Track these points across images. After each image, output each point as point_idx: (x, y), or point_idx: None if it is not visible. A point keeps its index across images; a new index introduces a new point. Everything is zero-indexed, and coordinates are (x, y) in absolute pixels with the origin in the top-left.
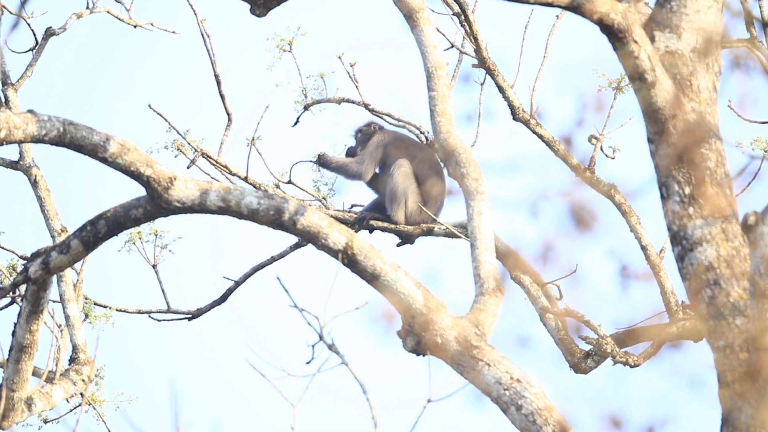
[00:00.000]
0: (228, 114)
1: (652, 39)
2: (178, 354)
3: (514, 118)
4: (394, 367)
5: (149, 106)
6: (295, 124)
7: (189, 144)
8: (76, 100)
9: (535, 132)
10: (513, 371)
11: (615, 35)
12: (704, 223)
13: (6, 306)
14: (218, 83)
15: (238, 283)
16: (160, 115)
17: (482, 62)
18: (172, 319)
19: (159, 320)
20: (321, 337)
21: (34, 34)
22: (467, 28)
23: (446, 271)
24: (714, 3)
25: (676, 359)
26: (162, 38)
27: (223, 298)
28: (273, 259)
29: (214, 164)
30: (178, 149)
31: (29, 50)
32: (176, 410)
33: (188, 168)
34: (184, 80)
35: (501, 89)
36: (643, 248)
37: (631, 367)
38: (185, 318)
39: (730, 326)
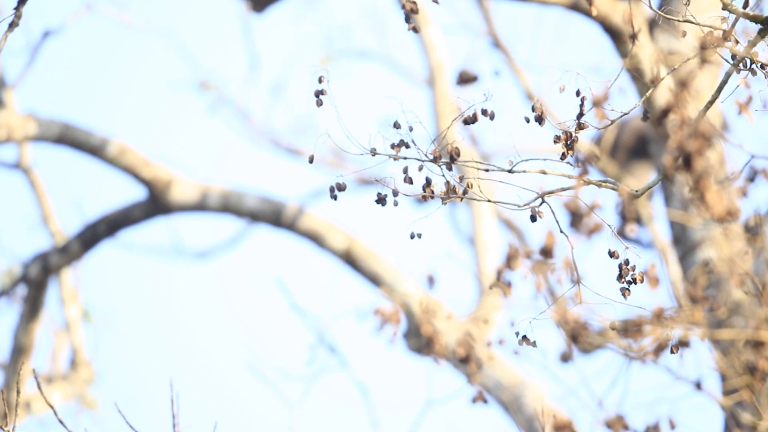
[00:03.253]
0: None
1: (654, 39)
2: (178, 356)
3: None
4: (395, 368)
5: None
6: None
7: None
8: (73, 102)
9: (540, 123)
10: (515, 372)
11: (616, 35)
12: (705, 223)
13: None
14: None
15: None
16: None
17: (496, 43)
18: (180, 260)
19: (168, 261)
20: (321, 339)
21: (30, 36)
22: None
23: (447, 271)
24: (716, 3)
25: (677, 359)
26: (158, 40)
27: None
28: None
29: None
30: None
31: (28, 53)
32: (175, 412)
33: None
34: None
35: (515, 73)
36: (649, 244)
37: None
38: (194, 257)
39: (731, 326)
